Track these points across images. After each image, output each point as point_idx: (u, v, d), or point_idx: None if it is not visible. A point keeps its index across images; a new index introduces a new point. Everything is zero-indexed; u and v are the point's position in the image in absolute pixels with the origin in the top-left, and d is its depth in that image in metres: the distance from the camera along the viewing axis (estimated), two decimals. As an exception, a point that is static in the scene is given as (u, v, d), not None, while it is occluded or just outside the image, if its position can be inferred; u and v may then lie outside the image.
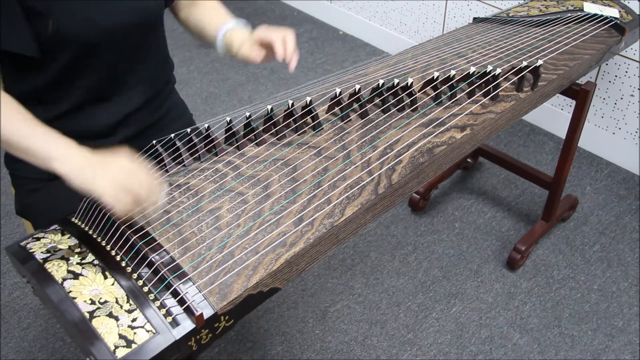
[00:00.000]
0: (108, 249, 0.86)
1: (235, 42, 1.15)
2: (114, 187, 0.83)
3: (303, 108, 1.10)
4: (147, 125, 1.19)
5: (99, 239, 0.88)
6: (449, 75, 1.20)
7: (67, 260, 0.85)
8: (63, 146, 0.87)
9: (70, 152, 0.87)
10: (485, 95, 1.22)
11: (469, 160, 2.16)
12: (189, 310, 0.78)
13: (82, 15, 0.98)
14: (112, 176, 0.84)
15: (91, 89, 1.07)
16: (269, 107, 1.07)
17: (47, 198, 1.12)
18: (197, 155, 1.03)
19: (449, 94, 1.19)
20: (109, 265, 0.84)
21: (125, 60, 1.08)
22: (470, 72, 1.22)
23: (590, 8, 1.66)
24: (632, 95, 2.07)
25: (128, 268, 0.84)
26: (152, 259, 0.82)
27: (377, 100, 1.17)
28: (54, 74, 1.02)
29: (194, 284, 0.81)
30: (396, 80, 1.17)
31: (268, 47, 1.10)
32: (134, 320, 0.77)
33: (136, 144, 1.09)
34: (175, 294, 0.79)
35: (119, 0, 1.02)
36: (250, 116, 1.06)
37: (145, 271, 0.83)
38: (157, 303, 0.79)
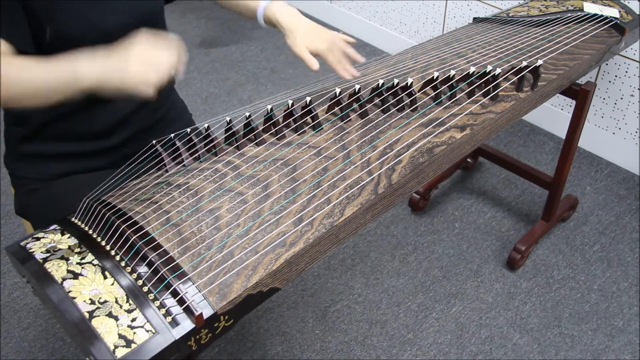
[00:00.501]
0: (108, 248, 0.87)
1: (280, 19, 1.15)
2: (144, 68, 0.87)
3: (303, 108, 1.09)
4: (147, 126, 1.18)
5: (98, 239, 0.88)
6: (449, 75, 1.20)
7: (67, 260, 0.85)
8: (81, 58, 0.89)
9: (91, 61, 0.89)
10: (485, 95, 1.22)
11: (469, 160, 2.16)
12: (188, 310, 0.78)
13: (82, 17, 0.98)
14: (138, 59, 0.87)
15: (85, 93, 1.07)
16: (269, 107, 1.07)
17: (46, 198, 1.12)
18: (196, 155, 1.03)
19: (449, 94, 1.19)
20: (108, 265, 0.84)
21: None
22: (470, 72, 1.22)
23: (590, 8, 1.66)
24: (632, 95, 2.07)
25: (128, 268, 0.84)
26: (152, 258, 0.82)
27: (376, 100, 1.17)
28: None
29: (193, 283, 0.81)
30: (396, 80, 1.17)
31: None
32: (133, 320, 0.77)
33: (136, 145, 1.09)
34: (174, 293, 0.79)
35: (118, 1, 1.02)
36: (250, 116, 1.06)
37: (144, 271, 0.83)
38: (157, 303, 0.79)
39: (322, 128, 1.10)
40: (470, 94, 1.21)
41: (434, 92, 1.19)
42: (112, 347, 0.74)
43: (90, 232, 0.90)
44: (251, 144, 1.06)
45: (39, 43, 0.97)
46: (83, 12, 0.98)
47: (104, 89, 0.89)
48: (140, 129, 1.17)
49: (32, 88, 0.90)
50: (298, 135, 1.08)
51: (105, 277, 0.83)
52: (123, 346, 0.74)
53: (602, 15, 1.61)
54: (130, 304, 0.79)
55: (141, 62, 0.88)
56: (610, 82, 2.10)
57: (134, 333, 0.76)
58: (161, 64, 0.89)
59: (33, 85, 0.90)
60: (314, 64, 1.13)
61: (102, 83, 0.88)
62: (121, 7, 1.03)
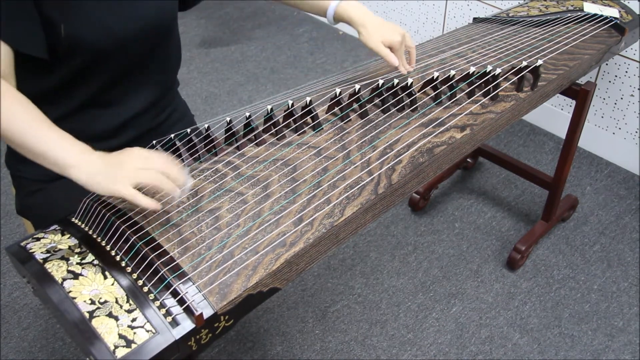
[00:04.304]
0: (108, 249, 0.87)
1: (354, 16, 1.17)
2: (134, 179, 0.82)
3: (303, 108, 1.10)
4: (150, 128, 1.18)
5: (98, 239, 0.88)
6: (449, 75, 1.20)
7: (67, 260, 0.85)
8: (78, 152, 0.84)
9: (86, 159, 0.84)
10: (485, 95, 1.22)
11: (469, 160, 2.16)
12: (188, 310, 0.78)
13: (97, 23, 0.98)
14: (130, 170, 0.83)
15: (99, 92, 1.07)
16: (269, 107, 1.08)
17: (47, 198, 1.12)
18: (196, 155, 1.03)
19: (449, 94, 1.19)
20: (108, 266, 0.84)
21: (136, 64, 1.08)
22: (470, 72, 1.22)
23: (590, 8, 1.66)
24: (632, 95, 2.07)
25: (128, 268, 0.84)
26: (152, 258, 0.82)
27: (376, 101, 1.17)
28: (63, 77, 1.02)
29: (193, 283, 0.81)
30: (396, 81, 1.17)
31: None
32: (133, 320, 0.77)
33: (138, 146, 1.09)
34: (175, 293, 0.79)
35: (133, 7, 1.01)
36: (250, 116, 1.06)
37: (144, 271, 0.83)
38: (157, 303, 0.79)
39: (322, 128, 1.10)
40: (470, 94, 1.21)
41: (434, 92, 1.19)
42: (112, 347, 0.74)
43: (91, 232, 0.90)
44: (251, 144, 1.06)
45: (53, 50, 0.97)
46: (99, 17, 0.98)
47: (93, 189, 0.84)
48: (143, 132, 1.17)
49: (20, 139, 0.84)
50: (298, 135, 1.08)
51: (105, 277, 0.83)
52: (123, 346, 0.74)
53: (602, 15, 1.61)
54: (130, 304, 0.79)
55: (131, 178, 0.83)
56: (610, 82, 2.10)
57: (134, 333, 0.76)
58: (153, 181, 0.83)
59: (21, 138, 0.84)
60: (394, 60, 1.16)
61: (89, 188, 0.84)
62: (137, 13, 1.02)
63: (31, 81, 1.03)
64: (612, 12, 1.64)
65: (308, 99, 1.09)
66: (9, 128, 0.84)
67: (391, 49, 1.17)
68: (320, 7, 1.21)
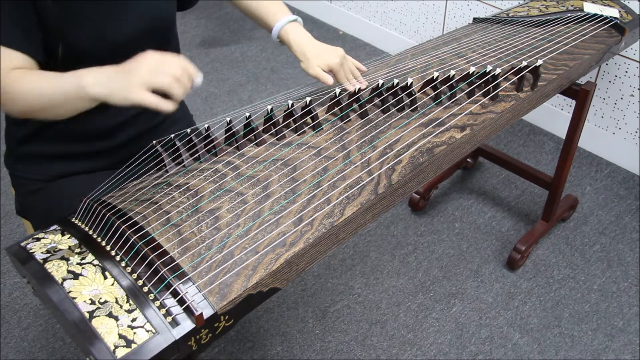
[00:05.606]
0: (108, 249, 0.87)
1: (293, 44, 1.17)
2: (149, 84, 0.84)
3: (303, 108, 1.10)
4: (149, 128, 1.18)
5: (98, 239, 0.88)
6: (449, 75, 1.20)
7: (67, 260, 0.85)
8: (88, 72, 0.88)
9: (97, 73, 0.88)
10: (485, 95, 1.22)
11: (469, 160, 2.16)
12: (188, 310, 0.78)
13: (95, 28, 0.98)
14: (144, 76, 0.85)
15: None
16: (269, 107, 1.08)
17: (47, 198, 1.12)
18: (196, 155, 1.03)
19: (449, 94, 1.19)
20: (108, 266, 0.84)
21: None
22: (470, 72, 1.22)
23: (590, 8, 1.66)
24: (632, 95, 2.07)
25: (128, 268, 0.84)
26: (152, 258, 0.82)
27: (376, 101, 1.17)
28: None
29: (193, 283, 0.81)
30: (396, 81, 1.17)
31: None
32: (133, 320, 0.77)
33: (138, 146, 1.09)
34: (175, 293, 0.79)
35: (130, 9, 1.01)
36: (250, 116, 1.06)
37: (145, 271, 0.83)
38: (157, 303, 0.79)
39: (322, 128, 1.10)
40: (470, 94, 1.21)
41: (434, 92, 1.19)
42: (112, 347, 0.74)
43: (91, 232, 0.90)
44: (251, 144, 1.06)
45: (50, 56, 0.97)
46: (96, 22, 0.98)
47: (113, 99, 0.87)
48: (142, 131, 1.17)
49: (41, 102, 0.91)
50: (298, 135, 1.08)
51: (105, 277, 0.83)
52: (123, 346, 0.74)
53: (602, 15, 1.61)
54: (130, 304, 0.79)
55: (147, 80, 0.85)
56: (610, 82, 2.10)
57: (134, 333, 0.76)
58: (170, 69, 0.87)
59: (42, 99, 0.91)
60: (328, 79, 1.15)
61: (110, 98, 0.87)
62: (134, 16, 1.02)
63: None
64: (612, 12, 1.64)
65: (308, 99, 1.09)
66: (35, 99, 0.91)
67: (332, 71, 1.16)
68: (267, 24, 1.20)
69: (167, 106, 0.86)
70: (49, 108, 0.92)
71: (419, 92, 1.22)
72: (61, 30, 0.95)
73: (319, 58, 1.15)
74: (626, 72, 2.05)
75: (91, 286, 0.81)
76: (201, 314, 0.77)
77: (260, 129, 1.08)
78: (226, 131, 1.06)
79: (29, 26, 0.93)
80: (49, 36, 0.95)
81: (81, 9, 0.96)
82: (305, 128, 1.09)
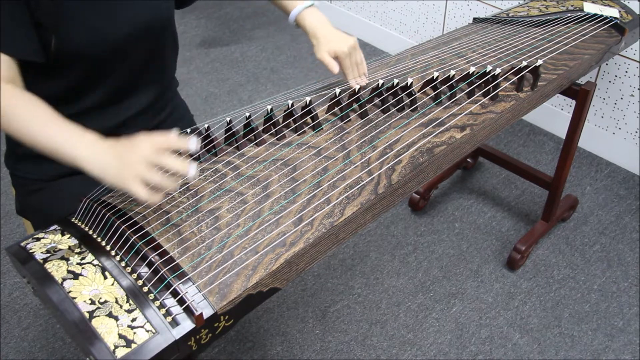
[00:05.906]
0: (108, 249, 0.87)
1: (308, 28, 1.18)
2: (143, 177, 0.82)
3: (303, 108, 1.10)
4: (148, 128, 1.18)
5: (98, 239, 0.88)
6: (449, 75, 1.20)
7: (67, 260, 0.85)
8: (87, 146, 0.86)
9: (94, 150, 0.85)
10: (485, 95, 1.22)
11: (469, 160, 2.16)
12: (188, 310, 0.78)
13: (89, 31, 0.97)
14: (139, 167, 0.83)
15: (99, 96, 1.06)
16: (269, 107, 1.08)
17: (47, 198, 1.12)
18: (196, 155, 1.03)
19: (449, 94, 1.19)
20: (108, 266, 0.84)
21: (134, 65, 1.07)
22: (470, 72, 1.22)
23: (590, 8, 1.66)
24: (632, 95, 2.07)
25: (128, 268, 0.84)
26: (152, 258, 0.82)
27: (376, 101, 1.17)
28: (62, 84, 1.02)
29: (193, 283, 0.81)
30: (396, 80, 1.17)
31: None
32: (133, 320, 0.77)
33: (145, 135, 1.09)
34: (174, 293, 0.79)
35: (126, 9, 1.01)
36: (250, 116, 1.06)
37: (144, 271, 0.83)
38: (157, 303, 0.79)
39: (322, 128, 1.10)
40: (470, 94, 1.21)
41: (434, 92, 1.19)
42: (112, 347, 0.74)
43: (91, 232, 0.90)
44: (251, 144, 1.06)
45: (47, 56, 0.97)
46: (90, 26, 0.97)
47: (104, 181, 0.85)
48: (142, 131, 1.17)
49: (22, 135, 0.87)
50: (298, 135, 1.08)
51: (105, 277, 0.83)
52: (123, 346, 0.74)
53: (602, 15, 1.61)
54: (130, 304, 0.79)
55: (137, 176, 0.82)
56: (610, 82, 2.10)
57: (134, 333, 0.76)
58: (166, 164, 0.83)
59: (26, 135, 0.87)
60: (334, 67, 1.15)
61: (103, 175, 0.84)
62: (131, 16, 1.02)
63: (32, 87, 1.03)
64: (612, 12, 1.64)
65: (308, 99, 1.09)
66: (19, 129, 0.87)
67: (337, 59, 1.16)
68: (286, 8, 1.21)
69: (153, 199, 0.83)
70: (30, 143, 0.88)
71: (419, 92, 1.22)
72: (56, 29, 0.94)
73: (329, 44, 1.15)
74: (626, 72, 2.05)
75: (91, 286, 0.81)
76: (201, 314, 0.77)
77: (260, 129, 1.08)
78: (226, 131, 1.06)
79: (23, 26, 0.92)
80: (43, 34, 0.94)
81: (76, 7, 0.95)
82: (305, 128, 1.09)
